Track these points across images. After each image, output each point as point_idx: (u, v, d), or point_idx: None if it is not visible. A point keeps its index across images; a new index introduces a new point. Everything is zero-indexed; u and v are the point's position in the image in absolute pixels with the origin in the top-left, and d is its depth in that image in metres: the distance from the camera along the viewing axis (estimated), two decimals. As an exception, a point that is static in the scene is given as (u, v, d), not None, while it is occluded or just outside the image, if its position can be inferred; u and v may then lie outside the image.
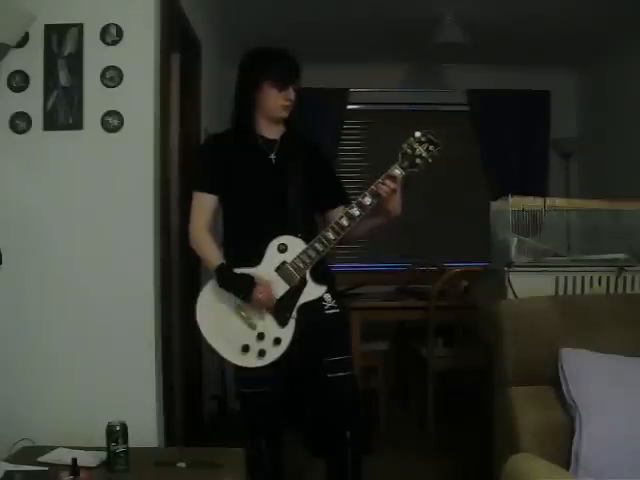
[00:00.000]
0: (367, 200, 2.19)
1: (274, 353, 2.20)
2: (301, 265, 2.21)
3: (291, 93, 2.30)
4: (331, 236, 2.20)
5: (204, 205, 2.31)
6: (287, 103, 2.30)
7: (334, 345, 2.32)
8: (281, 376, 2.28)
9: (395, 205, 2.24)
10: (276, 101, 2.29)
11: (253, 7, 3.95)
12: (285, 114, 2.33)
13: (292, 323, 2.22)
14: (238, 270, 2.21)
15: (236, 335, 2.21)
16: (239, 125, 2.35)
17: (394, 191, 2.19)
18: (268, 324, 2.21)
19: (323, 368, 2.27)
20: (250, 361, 2.21)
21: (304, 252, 2.21)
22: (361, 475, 2.34)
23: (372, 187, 2.19)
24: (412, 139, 2.20)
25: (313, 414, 2.35)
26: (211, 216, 2.32)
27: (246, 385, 2.33)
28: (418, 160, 2.19)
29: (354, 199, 2.24)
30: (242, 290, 2.19)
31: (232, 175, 2.30)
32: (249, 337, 2.21)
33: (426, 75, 5.21)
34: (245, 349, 2.20)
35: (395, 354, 4.30)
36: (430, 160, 2.20)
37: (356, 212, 2.19)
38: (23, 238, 2.51)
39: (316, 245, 2.21)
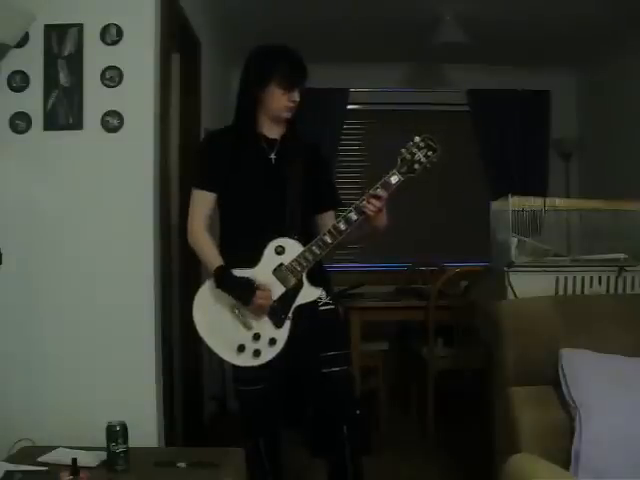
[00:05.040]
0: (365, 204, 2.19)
1: (269, 353, 2.20)
2: (298, 268, 2.21)
3: (296, 95, 2.29)
4: (328, 240, 2.20)
5: (203, 203, 2.31)
6: (291, 104, 2.30)
7: (329, 341, 2.32)
8: (279, 374, 2.28)
9: (380, 221, 2.25)
10: (281, 102, 2.28)
11: (253, 7, 3.95)
12: (288, 115, 2.32)
13: (287, 324, 2.22)
14: (236, 271, 2.21)
15: (232, 335, 2.21)
16: (240, 122, 2.35)
17: (379, 210, 2.19)
18: (264, 325, 2.21)
19: (318, 363, 2.28)
20: (246, 360, 2.21)
21: (301, 255, 2.21)
22: (362, 474, 2.35)
23: (371, 192, 2.19)
24: (411, 144, 2.20)
25: (312, 412, 2.36)
26: (210, 214, 2.32)
27: (243, 383, 2.33)
28: (416, 165, 2.19)
29: (353, 199, 2.24)
30: (242, 295, 2.19)
31: (231, 173, 2.29)
32: (245, 337, 2.21)
33: (426, 75, 5.21)
34: (241, 349, 2.20)
35: (395, 354, 4.29)
36: (428, 166, 2.20)
37: (354, 216, 2.19)
38: (23, 238, 2.51)
39: (313, 248, 2.21)
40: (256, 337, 2.21)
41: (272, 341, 2.20)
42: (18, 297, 2.51)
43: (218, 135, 2.42)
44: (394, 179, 2.19)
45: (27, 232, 2.51)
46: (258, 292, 2.17)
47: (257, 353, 2.20)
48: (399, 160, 2.20)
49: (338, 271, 4.43)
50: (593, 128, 5.17)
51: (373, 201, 2.17)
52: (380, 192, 2.17)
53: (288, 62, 2.27)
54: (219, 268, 2.22)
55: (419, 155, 2.19)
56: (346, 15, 4.16)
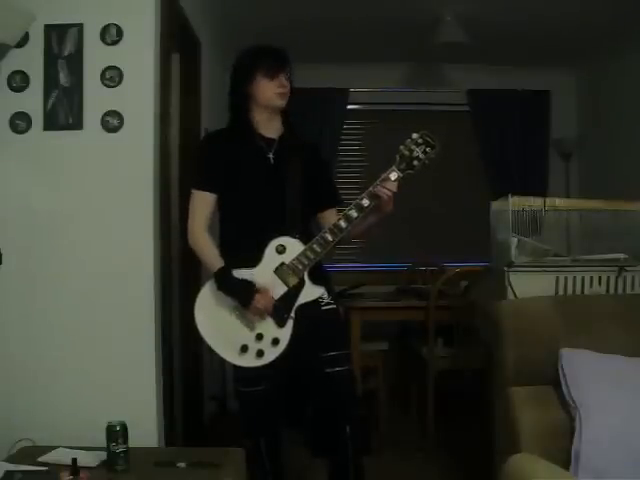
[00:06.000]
0: (365, 202, 2.20)
1: (272, 353, 2.20)
2: (299, 266, 2.22)
3: (283, 80, 2.31)
4: (329, 238, 2.21)
5: (203, 203, 2.31)
6: (281, 90, 2.31)
7: (331, 341, 2.32)
8: (280, 374, 2.28)
9: (391, 206, 2.26)
10: (270, 90, 2.30)
11: (253, 7, 3.96)
12: (281, 102, 2.33)
13: (290, 323, 2.22)
14: (237, 271, 2.21)
15: (235, 335, 2.21)
16: (236, 123, 2.35)
17: (394, 194, 2.20)
18: (266, 324, 2.21)
19: (321, 363, 2.28)
20: (249, 361, 2.21)
21: (302, 253, 2.21)
22: (364, 474, 2.35)
23: (370, 189, 2.20)
24: (409, 140, 2.22)
25: (313, 412, 2.36)
26: (210, 215, 2.33)
27: (244, 384, 2.34)
28: (415, 162, 2.21)
29: (354, 199, 2.24)
30: (241, 297, 2.19)
31: (230, 174, 2.30)
32: (247, 337, 2.21)
33: (426, 75, 5.21)
34: (244, 349, 2.20)
35: (395, 354, 4.29)
36: (427, 162, 2.22)
37: (354, 214, 2.20)
38: (23, 238, 2.51)
39: (314, 247, 2.21)
40: (259, 337, 2.21)
41: (275, 341, 2.20)
42: (18, 297, 2.51)
43: (216, 136, 2.43)
44: (393, 176, 2.20)
45: (27, 232, 2.51)
46: (257, 295, 2.17)
47: (260, 353, 2.20)
48: (397, 157, 2.21)
49: (338, 271, 4.43)
50: (593, 128, 5.16)
51: (387, 184, 2.18)
52: (389, 187, 2.18)
53: (268, 52, 2.32)
54: (220, 269, 2.22)
55: (417, 152, 2.20)
56: (346, 15, 4.16)
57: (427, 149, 2.21)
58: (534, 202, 2.62)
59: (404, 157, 2.21)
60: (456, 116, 5.26)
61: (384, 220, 2.31)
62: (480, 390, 3.23)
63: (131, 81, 2.51)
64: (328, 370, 2.28)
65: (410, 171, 2.21)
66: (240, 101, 2.34)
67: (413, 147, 2.21)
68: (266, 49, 2.33)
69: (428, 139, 2.22)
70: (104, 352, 2.50)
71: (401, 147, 2.22)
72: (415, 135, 2.22)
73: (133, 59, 2.51)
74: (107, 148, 2.51)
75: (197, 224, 2.30)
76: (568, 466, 1.87)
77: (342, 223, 2.20)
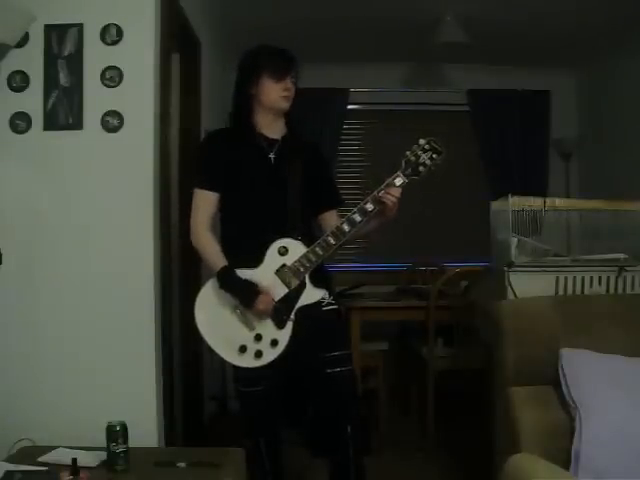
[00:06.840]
0: (369, 207, 2.19)
1: (271, 354, 2.20)
2: (301, 269, 2.21)
3: (288, 83, 2.30)
4: (332, 241, 2.20)
5: (205, 202, 2.31)
6: (285, 93, 2.30)
7: (332, 341, 2.32)
8: (280, 374, 2.28)
9: (394, 211, 2.25)
10: (274, 92, 2.29)
11: (253, 7, 3.96)
12: (285, 105, 2.33)
13: (290, 325, 2.21)
14: (239, 271, 2.21)
15: (234, 335, 2.21)
16: (239, 123, 2.35)
17: (398, 200, 2.20)
18: (266, 325, 2.21)
19: (322, 364, 2.28)
20: (247, 361, 2.21)
21: (304, 256, 2.21)
22: (365, 474, 2.35)
23: (374, 194, 2.19)
24: (416, 146, 2.21)
25: (314, 412, 2.36)
26: (212, 214, 2.32)
27: (244, 384, 2.33)
28: (421, 168, 2.20)
29: (354, 199, 2.24)
30: (244, 297, 2.19)
31: (230, 174, 2.29)
32: (246, 338, 2.21)
33: (426, 75, 5.21)
34: (242, 349, 2.20)
35: (395, 354, 4.29)
36: (433, 168, 2.20)
37: (357, 218, 2.19)
38: (23, 238, 2.51)
39: (317, 249, 2.21)
40: (258, 338, 2.20)
41: (274, 342, 2.20)
42: (18, 297, 2.51)
43: (218, 135, 2.43)
44: (398, 181, 2.19)
45: (27, 232, 2.51)
46: (260, 296, 2.17)
47: (259, 354, 2.20)
48: (403, 162, 2.20)
49: (338, 271, 4.43)
50: (593, 128, 5.16)
51: (392, 190, 2.17)
52: (393, 193, 2.17)
53: (275, 53, 2.30)
54: (223, 268, 2.22)
55: (424, 158, 2.19)
56: (346, 15, 4.16)
57: (434, 155, 2.20)
58: (534, 202, 2.62)
59: (410, 163, 2.20)
60: (456, 116, 5.25)
61: (386, 225, 2.31)
62: (480, 390, 3.23)
63: (131, 81, 2.51)
64: (329, 370, 2.27)
65: (415, 177, 2.20)
66: (244, 101, 2.33)
67: (420, 153, 2.19)
68: (274, 50, 2.32)
69: (435, 145, 2.20)
70: (104, 352, 2.50)
71: (407, 152, 2.20)
72: (422, 141, 2.21)
73: (133, 59, 2.51)
74: (107, 148, 2.51)
75: (199, 222, 2.29)
76: (568, 466, 1.87)
77: (345, 227, 2.19)
